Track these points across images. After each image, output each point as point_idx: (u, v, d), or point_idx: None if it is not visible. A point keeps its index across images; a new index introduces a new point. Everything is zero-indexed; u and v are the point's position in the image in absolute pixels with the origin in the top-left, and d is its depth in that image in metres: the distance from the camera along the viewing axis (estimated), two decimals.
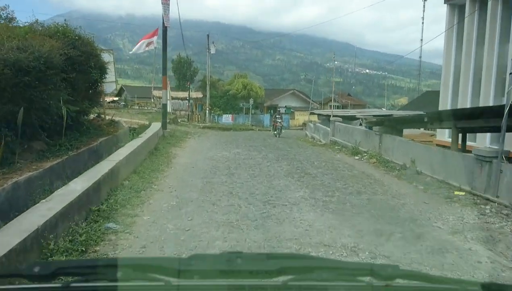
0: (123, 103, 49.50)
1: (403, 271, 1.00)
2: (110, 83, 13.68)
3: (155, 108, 50.66)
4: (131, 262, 1.07)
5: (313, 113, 30.57)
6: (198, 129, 23.69)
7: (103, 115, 14.96)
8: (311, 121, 27.04)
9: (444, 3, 17.69)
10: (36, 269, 0.87)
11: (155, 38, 35.26)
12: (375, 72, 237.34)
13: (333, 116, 21.69)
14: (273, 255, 0.91)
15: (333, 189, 7.73)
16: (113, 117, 13.73)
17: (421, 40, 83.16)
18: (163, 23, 13.70)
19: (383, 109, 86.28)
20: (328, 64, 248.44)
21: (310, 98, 58.75)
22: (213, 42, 44.80)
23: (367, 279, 0.93)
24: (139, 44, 33.38)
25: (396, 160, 11.09)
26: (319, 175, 9.24)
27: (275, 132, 23.53)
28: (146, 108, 54.23)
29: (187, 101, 47.15)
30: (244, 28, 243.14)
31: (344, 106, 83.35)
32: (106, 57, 13.75)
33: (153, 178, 8.08)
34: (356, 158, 12.57)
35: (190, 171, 9.18)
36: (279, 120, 23.76)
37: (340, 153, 13.87)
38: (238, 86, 47.29)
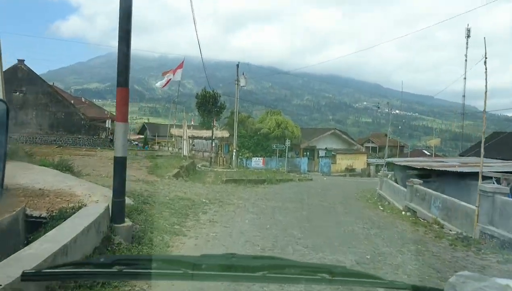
0: (137, 143, 41.72)
1: (347, 269, 1.30)
2: None
3: (171, 149, 42.55)
4: (162, 258, 1.40)
5: (389, 164, 20.49)
6: (216, 189, 14.69)
7: None
8: (395, 177, 17.38)
9: None
10: (102, 260, 1.19)
11: (179, 70, 28.16)
12: (405, 113, 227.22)
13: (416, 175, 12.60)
14: (257, 256, 1.29)
15: None
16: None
17: (464, 78, 73.04)
18: None
19: (426, 151, 75.86)
20: (357, 105, 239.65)
21: (353, 139, 49.57)
22: (243, 74, 36.92)
23: (321, 275, 1.16)
24: (165, 79, 28.25)
25: None
26: None
27: None
28: (167, 148, 46.50)
29: (212, 141, 39.01)
30: (273, 69, 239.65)
31: (380, 148, 73.57)
32: None
33: None
34: None
35: None
36: None
37: None
38: (270, 124, 38.70)
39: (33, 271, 1.15)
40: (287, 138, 35.62)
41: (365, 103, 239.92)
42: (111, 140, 36.91)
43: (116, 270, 1.12)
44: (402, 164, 16.16)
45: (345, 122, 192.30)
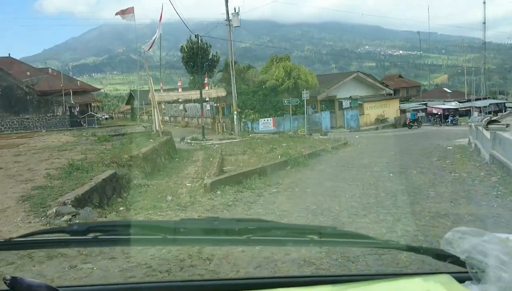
0: (106, 117, 32.19)
1: (338, 230, 1.15)
2: None
3: (147, 121, 32.90)
4: (140, 223, 1.28)
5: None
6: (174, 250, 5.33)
7: None
8: None
9: None
10: (75, 227, 1.07)
11: (159, 24, 23.21)
12: (409, 52, 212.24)
13: None
14: (241, 219, 1.14)
15: None
16: None
17: (484, 2, 60.16)
18: None
19: (447, 89, 64.33)
20: (359, 50, 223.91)
21: (379, 82, 39.16)
22: (235, 9, 26.34)
23: (309, 236, 1.06)
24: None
25: None
26: None
27: None
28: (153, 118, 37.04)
29: (207, 103, 29.25)
30: (269, 23, 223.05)
31: (396, 91, 62.49)
32: None
33: None
34: None
35: None
36: None
37: None
38: (278, 74, 28.49)
39: (3, 240, 1.06)
40: (304, 89, 25.53)
41: (367, 47, 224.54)
42: (76, 118, 27.18)
43: (91, 237, 1.04)
44: None
45: (348, 69, 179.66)
